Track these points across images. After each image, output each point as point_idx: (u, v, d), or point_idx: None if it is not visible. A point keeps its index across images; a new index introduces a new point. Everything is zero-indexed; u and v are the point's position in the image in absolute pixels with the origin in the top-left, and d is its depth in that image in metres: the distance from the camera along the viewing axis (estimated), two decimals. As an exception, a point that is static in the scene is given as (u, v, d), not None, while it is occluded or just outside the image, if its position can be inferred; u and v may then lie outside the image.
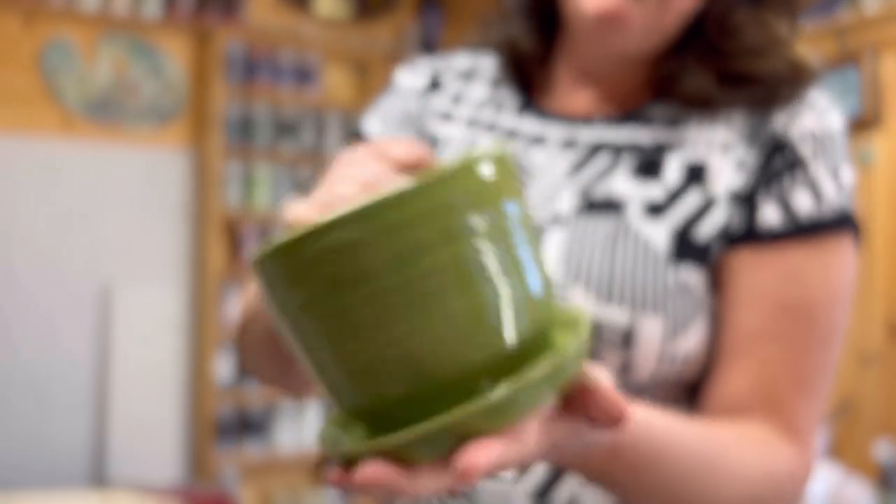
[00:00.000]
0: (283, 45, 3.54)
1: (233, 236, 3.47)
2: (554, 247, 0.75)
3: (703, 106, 0.77)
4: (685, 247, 0.74)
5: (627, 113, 0.80)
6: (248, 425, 3.42)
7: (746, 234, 0.74)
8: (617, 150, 0.79)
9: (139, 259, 3.36)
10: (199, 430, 3.38)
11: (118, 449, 3.25)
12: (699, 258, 0.74)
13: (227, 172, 3.41)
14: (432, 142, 0.86)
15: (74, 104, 3.27)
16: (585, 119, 0.81)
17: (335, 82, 3.78)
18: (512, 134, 0.83)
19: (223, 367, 3.38)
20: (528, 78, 0.86)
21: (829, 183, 0.75)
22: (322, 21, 3.79)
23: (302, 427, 3.52)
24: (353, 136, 0.90)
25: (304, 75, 3.59)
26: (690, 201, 0.76)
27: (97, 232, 3.30)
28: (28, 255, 3.18)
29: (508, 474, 0.73)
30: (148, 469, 3.28)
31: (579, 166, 0.79)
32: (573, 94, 0.83)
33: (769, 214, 0.74)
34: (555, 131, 0.81)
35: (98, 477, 3.25)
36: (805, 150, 0.75)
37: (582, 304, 0.71)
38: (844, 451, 2.85)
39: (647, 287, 0.72)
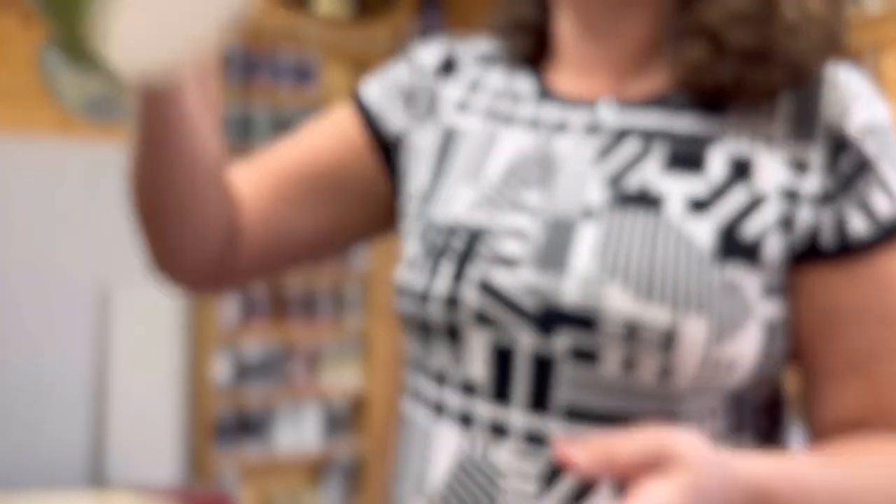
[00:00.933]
0: (283, 44, 3.54)
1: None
2: (588, 241, 0.71)
3: (730, 93, 0.74)
4: (732, 245, 0.70)
5: (654, 97, 0.77)
6: (246, 426, 3.42)
7: (840, 249, 0.71)
8: (647, 137, 0.75)
9: (138, 260, 3.36)
10: (198, 431, 3.38)
11: (117, 450, 3.25)
12: (747, 257, 0.70)
13: (227, 172, 3.41)
14: (447, 134, 0.83)
15: (73, 104, 3.27)
16: (610, 102, 0.77)
17: (334, 81, 3.78)
18: (533, 124, 0.79)
19: (222, 368, 3.38)
20: (539, 60, 0.83)
21: (894, 176, 0.73)
22: (321, 20, 3.79)
23: (300, 428, 3.52)
24: (352, 96, 0.89)
25: (303, 74, 3.59)
26: (736, 198, 0.72)
27: (95, 233, 3.30)
28: (26, 256, 3.18)
29: (532, 488, 0.70)
30: (147, 470, 3.28)
31: (606, 152, 0.75)
32: (585, 67, 0.79)
33: (856, 224, 0.71)
34: (576, 116, 0.78)
35: (97, 477, 3.25)
36: (869, 148, 0.72)
37: (619, 303, 0.68)
38: None
39: (690, 286, 0.69)
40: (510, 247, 0.73)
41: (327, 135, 0.87)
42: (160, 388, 3.36)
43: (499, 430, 0.72)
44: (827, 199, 0.71)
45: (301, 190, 0.86)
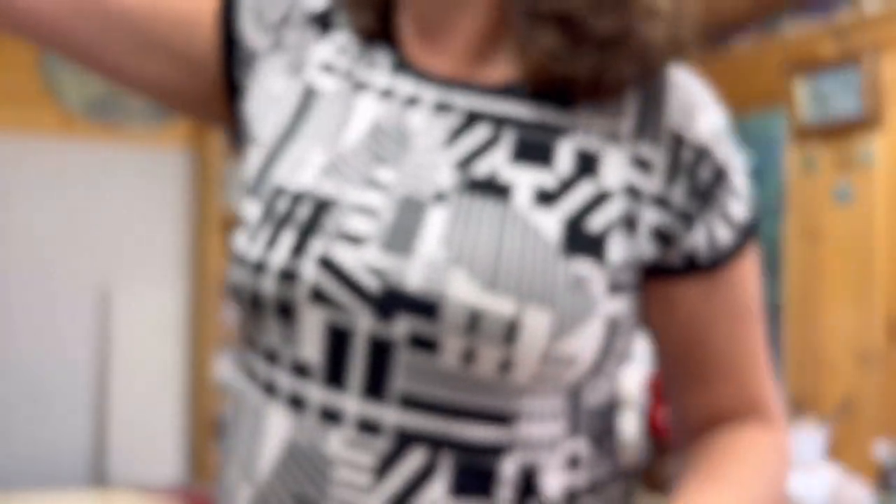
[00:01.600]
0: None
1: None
2: (437, 225, 0.69)
3: (579, 87, 0.73)
4: (577, 239, 0.69)
5: (505, 84, 0.75)
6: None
7: (713, 262, 0.74)
8: (497, 124, 0.73)
9: (139, 260, 3.37)
10: (199, 430, 3.38)
11: (118, 449, 3.25)
12: (593, 252, 0.70)
13: (227, 173, 3.41)
14: (307, 91, 0.79)
15: (74, 105, 3.28)
16: (463, 84, 0.75)
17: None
18: (386, 94, 0.76)
19: (223, 367, 3.39)
20: (392, 32, 0.79)
21: (741, 182, 0.75)
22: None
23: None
24: None
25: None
26: (583, 192, 0.71)
27: (97, 232, 3.31)
28: (28, 256, 3.18)
29: (365, 480, 0.67)
30: (148, 469, 3.28)
31: (457, 134, 0.73)
32: (434, 50, 0.77)
33: (722, 234, 0.74)
34: (429, 93, 0.75)
35: (98, 477, 3.26)
36: (720, 155, 0.74)
37: (463, 291, 0.66)
38: (844, 451, 2.86)
39: (535, 278, 0.67)
40: (357, 223, 0.69)
41: None
42: (161, 387, 3.37)
43: (331, 417, 0.68)
44: (694, 212, 0.73)
45: (113, 19, 0.81)
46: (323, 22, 0.82)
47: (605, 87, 0.72)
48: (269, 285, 0.70)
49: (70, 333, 3.24)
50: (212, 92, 0.84)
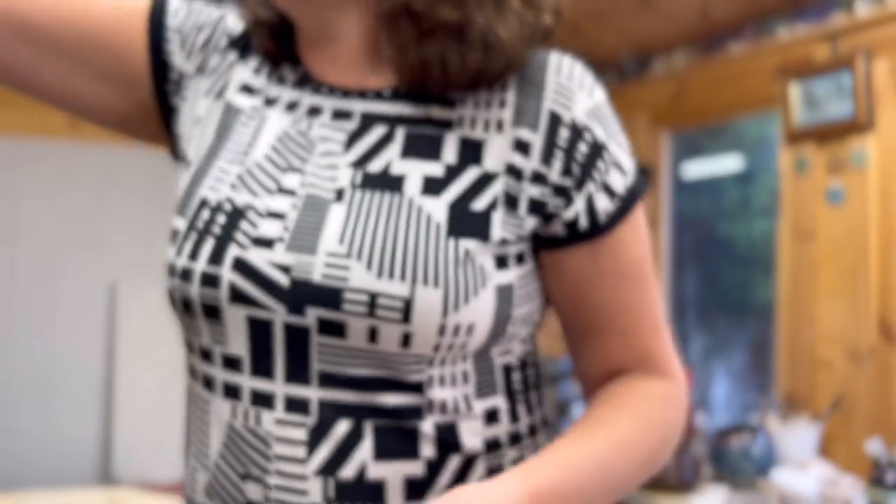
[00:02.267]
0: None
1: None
2: (337, 222, 0.76)
3: (455, 82, 0.79)
4: (463, 220, 0.77)
5: (394, 88, 0.82)
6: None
7: (592, 229, 0.80)
8: (390, 123, 0.80)
9: (145, 258, 3.38)
10: None
11: (124, 446, 3.26)
12: (477, 231, 0.77)
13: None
14: (227, 111, 0.86)
15: None
16: (360, 92, 0.82)
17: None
18: (292, 106, 0.83)
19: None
20: (293, 49, 0.87)
21: (623, 155, 0.83)
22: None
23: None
24: None
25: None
26: (468, 176, 0.78)
27: (104, 232, 3.32)
28: (36, 255, 3.20)
29: (300, 453, 0.75)
30: (153, 466, 3.29)
31: (354, 137, 0.80)
32: (329, 60, 0.84)
33: (602, 204, 0.80)
34: (329, 102, 0.82)
35: (104, 474, 3.27)
36: (598, 132, 0.80)
37: (361, 280, 0.73)
38: (837, 448, 2.86)
39: (427, 260, 0.74)
40: (268, 227, 0.77)
41: (110, 3, 0.88)
42: (167, 385, 3.38)
43: (263, 401, 0.77)
44: (572, 186, 0.80)
45: (47, 32, 0.85)
46: (242, 45, 0.90)
47: (454, 77, 0.78)
48: (195, 291, 0.78)
49: (77, 332, 3.25)
50: (146, 112, 0.91)
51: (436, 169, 0.78)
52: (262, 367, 0.77)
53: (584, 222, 0.80)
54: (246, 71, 0.88)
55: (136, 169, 3.38)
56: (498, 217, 0.78)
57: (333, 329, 0.75)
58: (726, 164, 3.75)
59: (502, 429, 0.82)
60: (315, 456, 0.75)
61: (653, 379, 0.85)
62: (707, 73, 3.52)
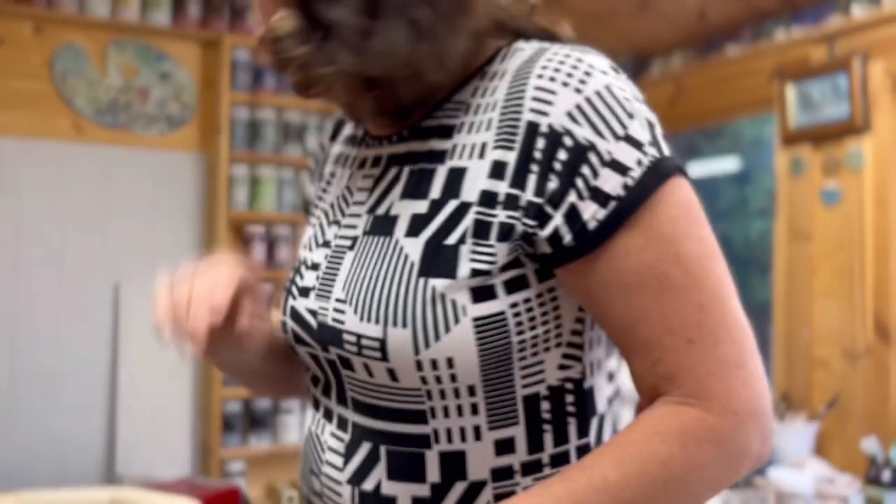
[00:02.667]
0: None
1: (240, 237, 3.51)
2: (345, 269, 0.83)
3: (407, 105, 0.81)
4: (436, 257, 0.75)
5: (409, 128, 0.84)
6: (254, 421, 3.46)
7: (578, 245, 0.72)
8: (400, 162, 0.83)
9: (148, 259, 3.39)
10: (207, 426, 3.41)
11: (128, 444, 3.26)
12: (447, 269, 0.74)
13: (234, 175, 3.44)
14: (325, 181, 0.99)
15: (85, 109, 3.31)
16: (388, 137, 0.87)
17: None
18: (348, 161, 0.94)
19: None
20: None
21: (623, 148, 0.71)
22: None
23: (305, 422, 3.54)
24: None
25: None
26: (447, 210, 0.76)
27: (108, 233, 3.32)
28: (40, 256, 3.20)
29: (339, 462, 0.85)
30: (157, 464, 3.30)
31: (377, 182, 0.86)
32: (373, 122, 0.89)
33: (589, 213, 0.71)
34: (371, 152, 0.90)
35: (108, 472, 3.27)
36: (580, 132, 0.71)
37: (351, 323, 0.79)
38: (833, 447, 2.87)
39: (398, 302, 0.75)
40: (308, 279, 0.89)
41: None
42: (170, 384, 3.37)
43: (327, 415, 0.89)
44: (551, 198, 0.71)
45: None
46: (333, 132, 1.03)
47: (407, 101, 0.81)
48: (285, 335, 0.92)
49: (81, 331, 3.25)
50: None
51: (422, 206, 0.79)
52: (326, 389, 0.89)
53: (567, 237, 0.72)
54: (336, 145, 1.00)
55: (140, 169, 3.39)
56: (466, 249, 0.74)
57: (346, 364, 0.82)
58: (723, 165, 3.77)
59: (516, 458, 0.78)
60: (348, 467, 0.84)
61: (683, 406, 0.71)
62: (705, 75, 3.54)
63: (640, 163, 0.71)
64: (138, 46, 3.39)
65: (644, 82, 3.82)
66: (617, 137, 0.72)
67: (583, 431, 0.80)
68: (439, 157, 0.80)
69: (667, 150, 0.73)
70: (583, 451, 0.80)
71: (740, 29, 3.42)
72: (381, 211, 0.83)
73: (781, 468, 2.62)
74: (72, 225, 3.25)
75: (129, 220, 3.36)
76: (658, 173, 0.72)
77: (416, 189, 0.80)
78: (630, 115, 0.73)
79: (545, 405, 0.78)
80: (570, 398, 0.79)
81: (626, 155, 0.71)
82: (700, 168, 3.87)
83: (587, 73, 0.73)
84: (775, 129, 3.15)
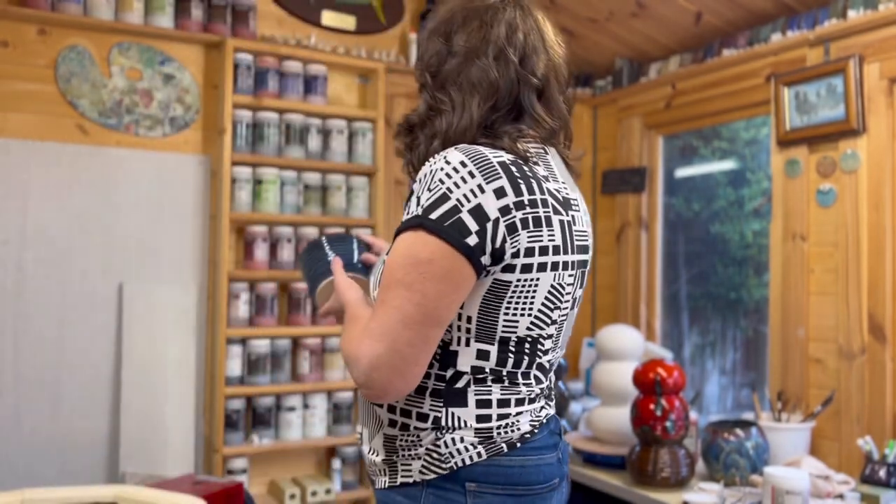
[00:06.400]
0: (291, 55, 3.60)
1: (243, 238, 3.54)
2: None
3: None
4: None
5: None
6: (257, 418, 3.47)
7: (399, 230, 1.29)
8: (410, 195, 1.33)
9: (152, 259, 3.40)
10: (211, 424, 3.42)
11: (132, 442, 3.27)
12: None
13: (237, 177, 3.46)
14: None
15: (89, 111, 3.33)
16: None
17: (340, 92, 3.84)
18: None
19: (233, 363, 3.44)
20: None
21: (412, 204, 1.27)
22: (328, 33, 3.85)
23: (307, 421, 3.58)
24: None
25: (310, 85, 3.64)
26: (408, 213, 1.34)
27: (112, 234, 3.34)
28: (45, 256, 3.21)
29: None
30: (161, 461, 3.32)
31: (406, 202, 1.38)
32: None
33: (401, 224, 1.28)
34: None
35: (112, 470, 3.29)
36: (416, 186, 1.29)
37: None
38: (828, 445, 2.89)
39: None
40: None
41: None
42: (174, 382, 3.39)
43: None
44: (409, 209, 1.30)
45: None
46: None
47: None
48: None
49: (85, 331, 3.27)
50: None
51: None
52: None
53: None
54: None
55: (143, 171, 3.40)
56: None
57: None
58: (720, 166, 3.79)
59: (433, 370, 1.35)
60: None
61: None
62: (701, 78, 3.56)
63: (412, 213, 1.27)
64: (142, 49, 3.41)
65: (641, 85, 3.85)
66: (417, 195, 1.29)
67: (441, 371, 1.34)
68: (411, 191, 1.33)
69: (430, 214, 1.24)
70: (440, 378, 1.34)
71: (736, 32, 3.44)
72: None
73: (777, 466, 2.64)
74: (76, 226, 3.26)
75: (133, 220, 3.37)
76: (410, 223, 1.26)
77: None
78: (427, 189, 1.26)
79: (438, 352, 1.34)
80: (438, 352, 1.33)
81: (411, 207, 1.29)
82: (697, 169, 3.90)
83: (441, 159, 1.28)
84: (771, 131, 3.17)
